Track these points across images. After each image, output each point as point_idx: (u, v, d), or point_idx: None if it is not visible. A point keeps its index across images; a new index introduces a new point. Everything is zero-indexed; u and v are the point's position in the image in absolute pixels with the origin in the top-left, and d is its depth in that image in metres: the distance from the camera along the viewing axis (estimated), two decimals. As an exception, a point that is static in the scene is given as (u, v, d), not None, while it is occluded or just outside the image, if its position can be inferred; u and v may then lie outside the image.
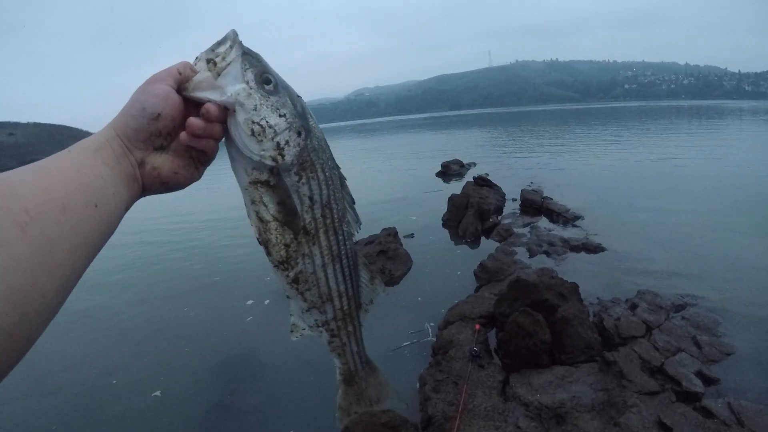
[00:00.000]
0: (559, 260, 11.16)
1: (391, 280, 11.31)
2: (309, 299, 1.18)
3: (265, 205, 1.05)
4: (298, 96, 1.10)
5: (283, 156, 1.03)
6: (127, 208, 0.99)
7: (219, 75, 0.98)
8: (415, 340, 8.35)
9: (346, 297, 1.23)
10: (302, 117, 1.07)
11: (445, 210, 16.02)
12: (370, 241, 12.92)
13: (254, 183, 1.04)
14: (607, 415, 5.47)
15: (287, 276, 1.13)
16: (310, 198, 1.08)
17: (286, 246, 1.08)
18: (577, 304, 7.36)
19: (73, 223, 0.80)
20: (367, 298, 1.28)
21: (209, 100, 0.97)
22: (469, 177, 20.68)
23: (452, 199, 15.92)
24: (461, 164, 27.26)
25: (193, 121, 0.98)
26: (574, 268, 10.42)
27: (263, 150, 1.01)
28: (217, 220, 20.27)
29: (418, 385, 6.91)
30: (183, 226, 19.93)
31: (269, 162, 1.02)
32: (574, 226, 13.88)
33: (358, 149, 60.02)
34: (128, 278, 13.85)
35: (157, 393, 7.78)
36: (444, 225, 15.68)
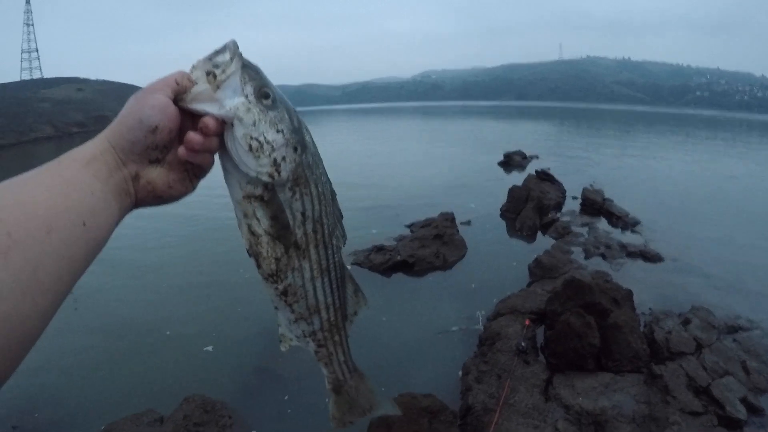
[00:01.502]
0: (615, 264, 11.01)
1: (445, 265, 11.33)
2: (297, 311, 1.17)
3: (258, 220, 1.04)
4: (295, 110, 1.09)
5: (279, 172, 1.01)
6: (117, 223, 0.93)
7: (218, 87, 0.96)
8: (464, 327, 8.36)
9: (333, 309, 1.22)
10: (298, 132, 1.06)
11: (505, 200, 15.91)
12: (426, 224, 12.95)
13: (248, 197, 1.02)
14: (647, 429, 5.43)
15: (276, 288, 1.12)
16: (303, 213, 1.07)
17: (277, 260, 1.08)
18: (629, 312, 7.26)
19: (58, 244, 0.75)
20: (352, 309, 1.27)
21: (207, 113, 0.95)
22: (530, 170, 20.51)
23: (513, 191, 15.80)
24: (524, 156, 27.00)
25: (192, 136, 0.95)
26: (629, 275, 10.27)
27: (260, 166, 0.99)
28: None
29: (460, 374, 6.92)
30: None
31: (266, 178, 1.00)
32: (633, 231, 13.68)
33: (420, 131, 59.86)
34: (189, 239, 14.16)
35: (209, 348, 7.96)
36: (502, 215, 15.59)
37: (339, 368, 1.32)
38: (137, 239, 13.47)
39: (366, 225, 14.29)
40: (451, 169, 25.29)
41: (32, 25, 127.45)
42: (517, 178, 19.09)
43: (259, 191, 1.01)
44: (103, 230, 0.87)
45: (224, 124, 0.97)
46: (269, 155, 0.99)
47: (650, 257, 11.42)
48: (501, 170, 24.95)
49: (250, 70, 0.99)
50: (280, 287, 1.12)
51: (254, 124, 0.98)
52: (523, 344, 6.79)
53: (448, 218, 13.04)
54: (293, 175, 1.04)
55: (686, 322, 7.66)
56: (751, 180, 23.90)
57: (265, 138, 0.99)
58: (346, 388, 1.36)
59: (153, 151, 0.95)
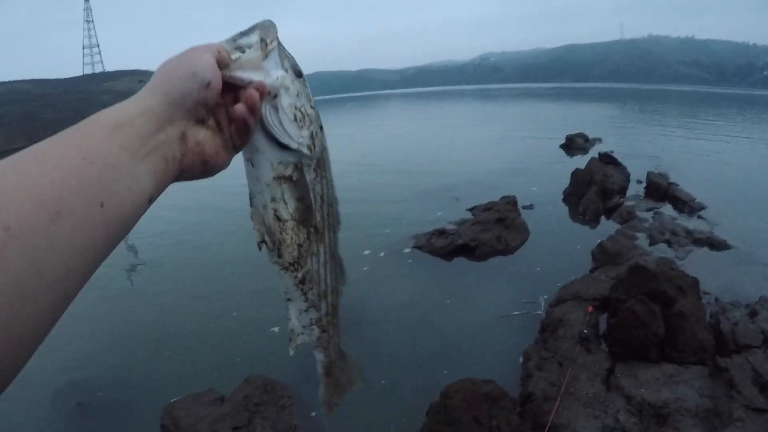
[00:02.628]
0: (680, 252, 10.76)
1: (506, 249, 11.28)
2: (310, 298, 1.17)
3: (286, 203, 1.03)
4: None
5: (313, 147, 1.03)
6: (150, 200, 0.82)
7: (266, 57, 0.96)
8: (525, 311, 8.33)
9: (335, 292, 1.22)
10: (317, 112, 1.06)
11: (567, 184, 15.71)
12: (488, 207, 12.89)
13: (278, 178, 1.01)
14: (710, 424, 5.30)
15: (295, 277, 1.12)
16: (321, 197, 1.08)
17: (299, 246, 1.08)
18: (695, 301, 7.08)
19: (68, 232, 0.65)
20: (340, 290, 1.26)
21: (252, 81, 0.94)
22: (593, 153, 20.16)
23: (575, 174, 15.57)
24: (586, 138, 26.53)
25: (252, 93, 0.92)
26: (694, 262, 10.03)
27: (302, 137, 1.00)
28: (334, 175, 20.54)
29: (521, 360, 6.89)
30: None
31: (305, 150, 1.01)
32: (700, 217, 13.30)
33: (479, 114, 59.45)
34: (242, 221, 14.41)
35: (275, 329, 8.09)
36: (564, 200, 15.40)
37: (333, 351, 1.32)
38: (203, 224, 13.76)
39: (428, 208, 14.30)
40: (512, 152, 25.10)
41: (92, 21, 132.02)
42: (580, 161, 18.79)
43: (289, 171, 1.01)
44: (127, 210, 0.76)
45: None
46: (308, 127, 1.01)
47: (717, 245, 11.12)
48: (563, 153, 24.62)
49: (285, 48, 1.00)
50: (300, 275, 1.12)
51: (298, 95, 1.00)
52: (585, 332, 6.73)
53: (510, 202, 12.98)
54: (320, 153, 1.05)
55: (754, 314, 7.42)
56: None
57: (305, 110, 1.01)
58: (334, 370, 1.35)
59: (202, 108, 0.90)
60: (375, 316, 8.55)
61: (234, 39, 0.97)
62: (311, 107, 1.02)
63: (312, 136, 1.02)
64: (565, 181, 15.85)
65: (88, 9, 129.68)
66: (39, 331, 0.62)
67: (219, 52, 0.92)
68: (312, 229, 1.08)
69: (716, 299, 8.15)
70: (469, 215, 13.43)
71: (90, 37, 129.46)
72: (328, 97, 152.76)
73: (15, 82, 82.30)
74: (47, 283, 0.61)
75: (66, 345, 8.05)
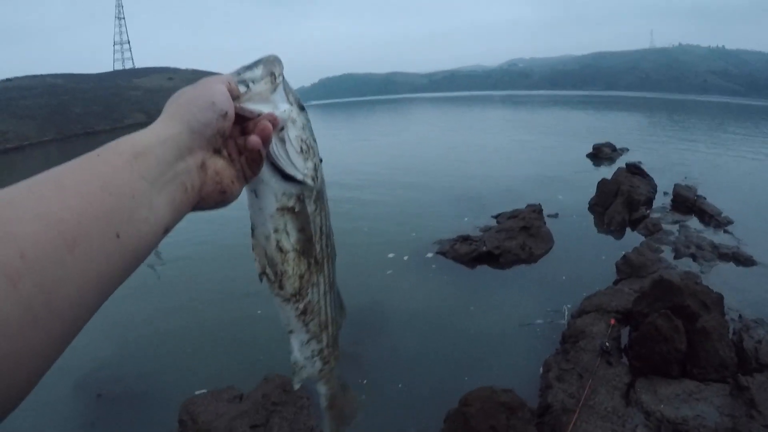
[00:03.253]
0: (705, 266, 10.69)
1: (530, 258, 11.29)
2: (312, 329, 1.18)
3: (288, 234, 1.05)
4: None
5: (316, 178, 1.04)
6: (166, 230, 0.81)
7: (274, 90, 0.98)
8: (549, 320, 8.34)
9: (335, 323, 1.24)
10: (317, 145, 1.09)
11: (593, 194, 15.64)
12: (513, 215, 12.86)
13: (281, 210, 1.03)
14: (730, 442, 5.26)
15: (297, 308, 1.13)
16: (320, 228, 1.10)
17: (301, 277, 1.09)
18: (719, 317, 7.02)
19: (83, 262, 0.63)
20: (339, 322, 1.28)
21: (261, 113, 0.96)
22: (620, 163, 20.06)
23: (602, 184, 15.49)
24: (613, 148, 26.35)
25: (266, 124, 0.94)
26: (719, 277, 9.94)
27: (307, 168, 1.02)
28: (363, 177, 20.54)
29: (541, 370, 6.88)
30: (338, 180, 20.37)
31: (310, 181, 1.03)
32: (726, 231, 13.18)
33: (507, 121, 59.20)
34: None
35: None
36: (590, 209, 15.35)
37: (336, 383, 1.33)
38: (231, 221, 13.86)
39: (453, 214, 14.31)
40: (538, 160, 24.97)
41: (123, 18, 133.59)
42: (607, 171, 18.73)
43: (292, 202, 1.03)
44: (143, 241, 0.75)
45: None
46: (312, 159, 1.03)
47: (743, 260, 11.03)
48: (589, 162, 24.46)
49: (288, 82, 1.03)
50: (301, 306, 1.14)
51: (303, 128, 1.02)
52: (607, 344, 6.71)
53: (536, 210, 12.94)
54: (320, 186, 1.07)
55: (778, 332, 7.38)
56: None
57: (309, 142, 1.03)
58: (338, 402, 1.37)
59: (220, 137, 0.91)
60: (396, 320, 8.58)
61: (238, 72, 0.99)
62: (314, 140, 1.05)
63: (315, 168, 1.04)
64: (591, 191, 15.78)
65: (119, 6, 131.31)
66: (48, 359, 0.61)
67: (229, 83, 0.94)
68: (312, 260, 1.10)
69: (740, 316, 8.08)
70: (493, 222, 13.41)
71: (121, 33, 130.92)
72: (357, 99, 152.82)
73: (46, 75, 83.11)
74: (59, 312, 0.61)
75: (88, 337, 8.15)
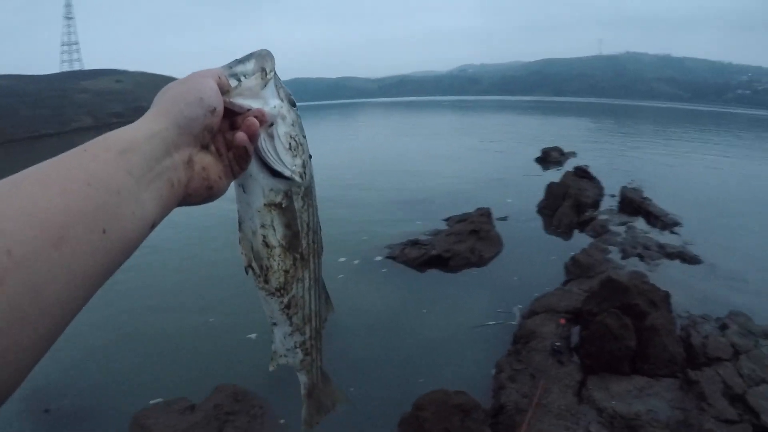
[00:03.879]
0: (652, 265, 10.88)
1: (480, 261, 11.31)
2: (295, 322, 1.18)
3: (274, 230, 1.04)
4: None
5: (304, 175, 1.04)
6: (152, 226, 0.81)
7: (264, 86, 0.98)
8: (500, 321, 8.36)
9: (319, 316, 1.23)
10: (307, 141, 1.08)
11: (542, 197, 15.85)
12: (462, 219, 12.95)
13: (269, 205, 1.03)
14: (682, 436, 5.34)
15: (281, 302, 1.13)
16: (307, 224, 1.09)
17: (286, 272, 1.09)
18: (666, 314, 7.16)
19: (69, 258, 0.63)
20: (324, 315, 1.27)
21: (250, 108, 0.96)
22: (568, 166, 20.39)
23: (550, 187, 15.74)
24: (562, 152, 26.78)
25: (253, 120, 0.93)
26: (666, 276, 10.11)
27: (295, 165, 1.01)
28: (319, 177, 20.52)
29: (494, 371, 6.89)
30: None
31: (297, 178, 1.02)
32: (672, 232, 13.48)
33: (457, 125, 59.76)
34: (222, 228, 14.25)
35: (252, 336, 8.12)
36: (539, 212, 15.54)
37: (316, 373, 1.34)
38: (182, 228, 13.68)
39: (403, 218, 14.34)
40: (487, 164, 25.31)
41: (73, 18, 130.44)
42: (555, 174, 18.98)
43: (279, 198, 1.03)
44: (129, 237, 0.74)
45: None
46: (301, 156, 1.03)
47: (688, 259, 11.27)
48: (538, 166, 24.80)
49: (279, 79, 1.02)
50: (285, 300, 1.13)
51: (293, 124, 1.01)
52: (557, 344, 6.77)
53: (485, 213, 13.01)
54: (309, 182, 1.07)
55: (724, 327, 7.53)
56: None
57: (299, 139, 1.03)
58: (317, 392, 1.38)
59: (208, 133, 0.90)
60: (347, 324, 8.51)
61: (230, 66, 0.98)
62: (303, 136, 1.04)
63: (303, 165, 1.03)
64: (540, 194, 15.99)
65: (69, 5, 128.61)
66: (35, 356, 0.61)
67: (219, 77, 0.93)
68: (298, 256, 1.09)
69: (687, 312, 8.23)
70: (443, 226, 13.44)
71: (70, 34, 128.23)
72: (306, 103, 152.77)
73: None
74: (46, 309, 0.60)
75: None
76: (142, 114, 0.87)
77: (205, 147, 0.92)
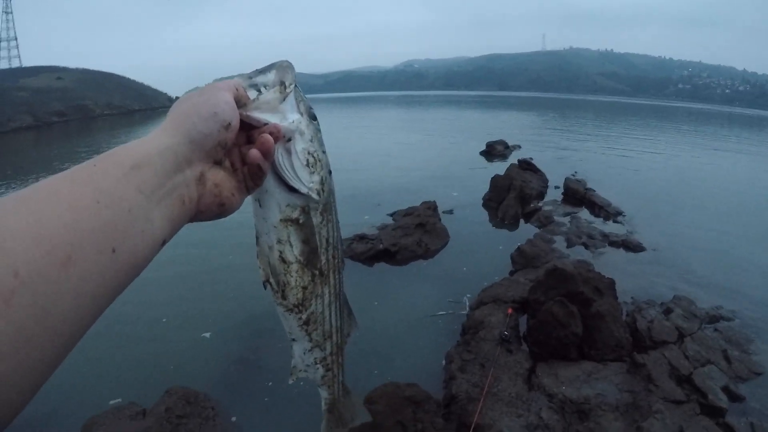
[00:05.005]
0: (597, 254, 11.09)
1: (427, 254, 11.35)
2: (314, 339, 1.17)
3: (291, 245, 1.02)
4: None
5: (322, 192, 1.02)
6: (162, 244, 0.79)
7: (283, 100, 0.95)
8: (451, 311, 8.41)
9: (340, 332, 1.21)
10: (328, 156, 1.06)
11: (487, 190, 15.95)
12: (408, 213, 12.96)
13: (285, 221, 1.01)
14: (631, 417, 5.46)
15: (300, 318, 1.11)
16: (327, 240, 1.07)
17: (304, 288, 1.06)
18: (612, 301, 7.30)
19: (77, 279, 0.61)
20: (347, 331, 1.25)
21: (267, 123, 0.93)
22: (513, 159, 20.67)
23: (495, 180, 15.82)
24: (506, 145, 27.13)
25: (267, 138, 0.90)
26: (611, 264, 10.31)
27: (312, 182, 0.99)
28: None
29: (444, 362, 6.91)
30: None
31: (315, 195, 1.00)
32: (615, 221, 13.78)
33: (402, 120, 59.90)
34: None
35: (207, 335, 8.06)
36: (484, 205, 15.64)
37: (337, 389, 1.32)
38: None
39: (349, 213, 14.28)
40: (433, 158, 25.39)
41: (11, 13, 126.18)
42: (500, 167, 19.13)
43: (296, 214, 1.01)
44: (139, 256, 0.72)
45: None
46: (319, 172, 1.00)
47: (632, 247, 11.52)
48: (483, 159, 25.09)
49: (301, 91, 0.99)
50: (304, 316, 1.11)
51: (311, 140, 0.99)
52: (506, 333, 6.81)
53: (431, 207, 13.06)
54: (327, 198, 1.04)
55: (668, 312, 7.73)
56: (733, 172, 24.17)
57: (317, 155, 1.00)
58: (338, 406, 1.36)
59: (221, 149, 0.88)
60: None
61: (250, 76, 0.95)
62: (323, 152, 1.03)
63: (322, 181, 1.01)
64: (485, 187, 16.11)
65: (8, 0, 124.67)
66: (42, 377, 0.58)
67: (237, 89, 0.90)
68: (317, 272, 1.06)
69: (632, 299, 8.45)
70: (389, 220, 13.46)
71: (8, 29, 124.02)
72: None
73: None
74: (53, 329, 0.58)
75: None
76: (84, 112, 0.82)
77: (218, 162, 0.89)
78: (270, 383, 6.79)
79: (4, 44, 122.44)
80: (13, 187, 21.89)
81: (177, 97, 0.90)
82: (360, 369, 7.06)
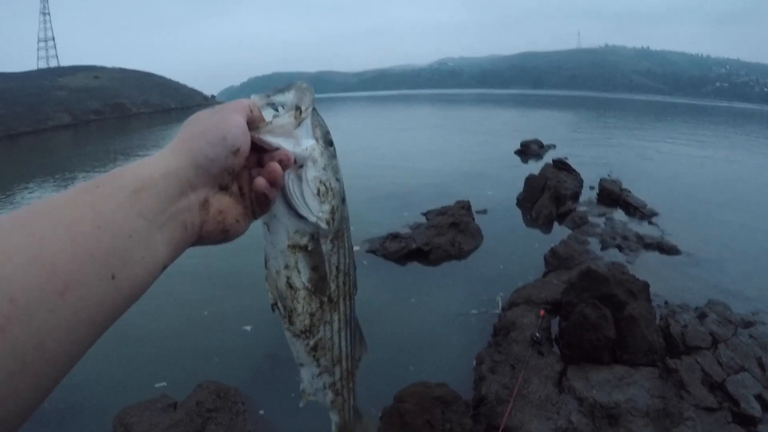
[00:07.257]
0: (631, 256, 10.96)
1: (460, 254, 11.33)
2: (323, 364, 1.16)
3: (299, 272, 1.01)
4: None
5: (332, 222, 1.00)
6: (163, 269, 0.78)
7: (299, 125, 0.93)
8: (483, 310, 8.41)
9: (351, 357, 1.21)
10: (343, 183, 1.04)
11: (521, 189, 15.89)
12: (442, 212, 12.93)
13: (293, 247, 0.99)
14: (662, 424, 5.40)
15: (307, 345, 1.10)
16: (337, 267, 1.05)
17: (311, 315, 1.05)
18: (645, 304, 7.21)
19: (75, 306, 0.60)
20: (358, 355, 1.25)
21: (279, 148, 0.91)
22: (548, 159, 20.40)
23: (529, 180, 15.77)
24: (541, 145, 26.90)
25: (276, 166, 0.88)
26: (645, 267, 10.20)
27: (322, 212, 0.97)
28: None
29: (474, 363, 6.91)
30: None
31: (323, 225, 0.98)
32: (651, 223, 13.60)
33: (436, 119, 59.72)
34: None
35: (248, 328, 8.20)
36: (518, 204, 15.57)
37: (347, 413, 1.31)
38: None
39: (382, 212, 14.28)
40: (467, 157, 25.25)
41: (48, 14, 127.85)
42: (534, 167, 19.04)
43: (305, 241, 0.99)
44: (139, 282, 0.71)
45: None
46: (330, 202, 0.98)
47: (667, 249, 11.36)
48: (517, 159, 24.89)
49: (319, 115, 0.98)
50: (312, 342, 1.10)
51: (324, 168, 0.97)
52: (537, 335, 6.78)
53: (464, 206, 13.07)
54: (338, 226, 1.02)
55: (702, 316, 7.60)
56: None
57: (330, 184, 0.98)
58: (348, 429, 1.34)
59: (228, 175, 0.86)
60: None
61: (268, 94, 0.95)
62: (336, 179, 1.01)
63: (332, 211, 0.99)
64: (519, 187, 16.02)
65: (44, 1, 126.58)
66: (36, 402, 0.59)
67: (251, 111, 0.89)
68: (325, 299, 1.06)
69: (666, 302, 8.31)
70: (423, 219, 13.46)
71: (46, 30, 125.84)
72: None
73: (-36, 75, 79.83)
74: (50, 355, 0.58)
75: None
76: (121, 111, 0.83)
77: (224, 188, 0.88)
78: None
79: (42, 44, 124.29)
80: (53, 184, 22.25)
81: (213, 96, 0.90)
82: (393, 366, 7.09)
